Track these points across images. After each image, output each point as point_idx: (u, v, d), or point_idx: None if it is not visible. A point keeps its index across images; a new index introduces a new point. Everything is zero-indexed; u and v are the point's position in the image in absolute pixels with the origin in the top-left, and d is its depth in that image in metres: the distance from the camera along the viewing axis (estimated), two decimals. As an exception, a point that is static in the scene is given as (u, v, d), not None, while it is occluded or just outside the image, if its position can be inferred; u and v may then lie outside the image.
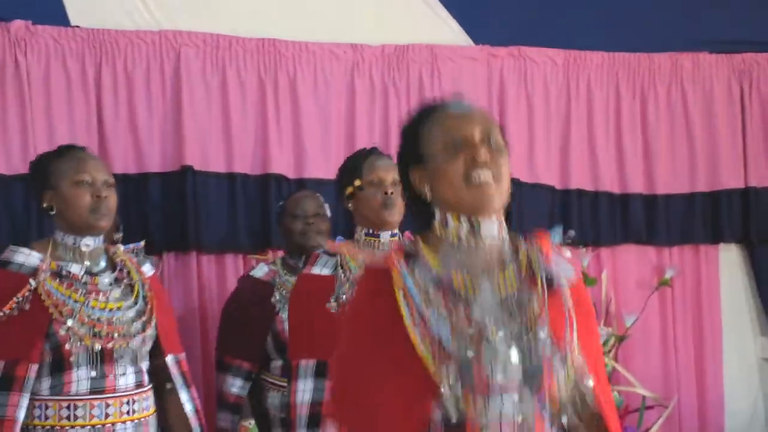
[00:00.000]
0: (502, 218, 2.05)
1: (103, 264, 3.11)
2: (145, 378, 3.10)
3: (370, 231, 3.29)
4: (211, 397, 4.22)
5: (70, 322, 2.92)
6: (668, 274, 5.28)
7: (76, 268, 3.02)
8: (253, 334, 4.03)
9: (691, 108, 5.42)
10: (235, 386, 4.06)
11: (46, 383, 2.94)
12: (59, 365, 2.94)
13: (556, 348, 1.98)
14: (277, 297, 4.04)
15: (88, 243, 3.05)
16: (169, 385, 3.18)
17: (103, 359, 2.96)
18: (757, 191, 5.43)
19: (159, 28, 4.71)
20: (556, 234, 2.15)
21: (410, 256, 2.04)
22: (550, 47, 5.26)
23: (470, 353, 1.92)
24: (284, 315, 3.92)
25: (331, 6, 5.02)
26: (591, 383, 2.00)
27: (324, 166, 4.77)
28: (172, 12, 4.77)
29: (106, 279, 3.07)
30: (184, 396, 3.17)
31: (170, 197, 4.61)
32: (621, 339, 5.05)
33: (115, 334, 2.98)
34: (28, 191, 4.07)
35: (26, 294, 2.93)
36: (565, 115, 5.27)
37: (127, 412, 3.01)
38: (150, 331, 3.09)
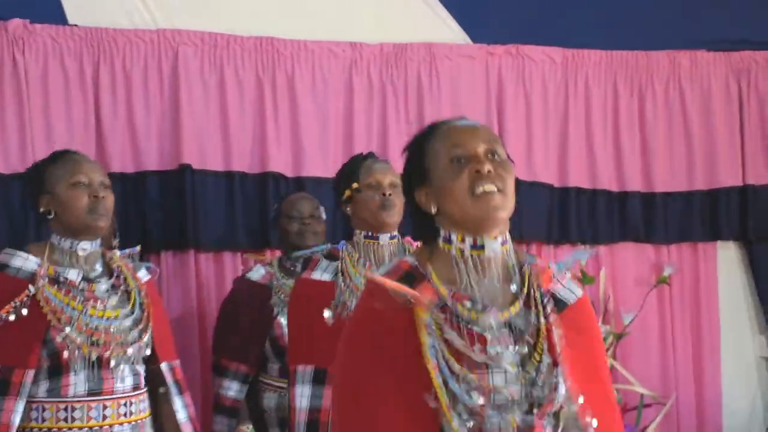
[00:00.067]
0: (507, 235, 2.05)
1: (99, 269, 3.11)
2: (142, 380, 3.11)
3: (369, 234, 3.29)
4: (209, 398, 4.23)
5: (68, 330, 2.93)
6: (666, 272, 5.28)
7: (73, 274, 3.02)
8: (251, 337, 4.03)
9: (689, 106, 5.41)
10: (232, 390, 4.05)
11: (43, 386, 2.95)
12: (56, 369, 2.94)
13: (558, 372, 1.98)
14: (275, 301, 4.04)
15: (85, 247, 3.05)
16: (162, 389, 3.19)
17: (100, 364, 2.97)
18: (755, 189, 5.42)
19: (157, 26, 4.71)
20: (566, 263, 2.16)
21: (413, 275, 2.03)
22: (549, 45, 5.25)
23: (475, 396, 1.92)
24: (282, 319, 3.94)
25: (331, 5, 5.01)
26: (581, 400, 2.01)
27: (322, 165, 4.77)
28: (170, 11, 4.76)
29: (103, 286, 3.07)
30: (178, 403, 3.17)
31: (168, 196, 4.61)
32: (619, 337, 5.05)
33: (113, 343, 2.99)
34: (25, 195, 4.07)
35: (24, 299, 2.93)
36: (563, 113, 5.27)
37: (125, 414, 3.01)
38: (146, 339, 3.09)
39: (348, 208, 3.34)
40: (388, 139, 4.91)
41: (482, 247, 2.01)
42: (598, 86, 5.31)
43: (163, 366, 3.17)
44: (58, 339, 2.92)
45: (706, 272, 5.44)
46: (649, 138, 5.36)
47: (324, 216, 4.21)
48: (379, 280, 2.00)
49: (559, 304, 2.09)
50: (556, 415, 2.00)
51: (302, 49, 4.87)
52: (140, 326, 3.09)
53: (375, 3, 5.09)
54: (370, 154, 3.50)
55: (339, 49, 4.94)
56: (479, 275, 2.01)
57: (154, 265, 3.50)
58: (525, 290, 2.04)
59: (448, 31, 5.16)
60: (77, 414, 2.94)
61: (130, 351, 3.02)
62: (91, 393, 2.96)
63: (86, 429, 2.94)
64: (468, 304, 1.99)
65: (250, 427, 4.11)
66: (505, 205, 1.99)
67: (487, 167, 1.99)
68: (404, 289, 1.97)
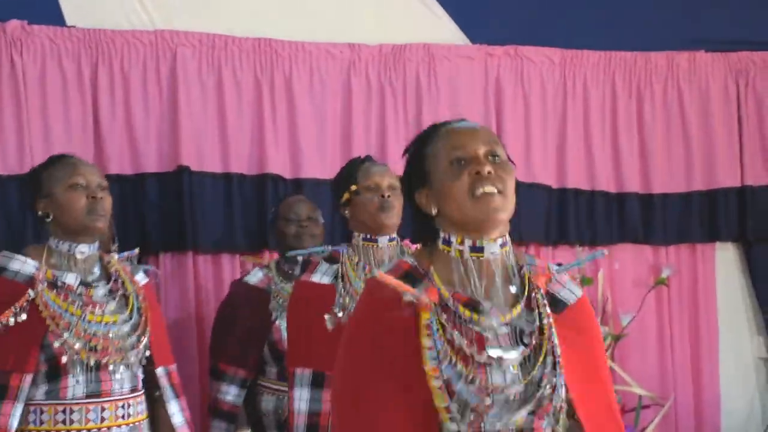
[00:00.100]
0: (507, 237, 2.05)
1: (97, 272, 3.11)
2: (140, 382, 3.11)
3: (368, 236, 3.29)
4: (207, 401, 4.22)
5: (66, 335, 2.93)
6: (665, 273, 5.27)
7: (71, 278, 3.02)
8: (249, 341, 4.02)
9: (688, 107, 5.40)
10: (230, 394, 4.04)
11: (41, 389, 2.95)
12: (55, 373, 2.95)
13: (558, 373, 1.99)
14: (274, 305, 4.03)
15: (83, 250, 3.05)
16: (158, 393, 3.20)
17: (98, 368, 2.97)
18: (754, 190, 5.41)
19: (155, 27, 4.70)
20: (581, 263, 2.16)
21: (414, 274, 2.04)
22: (547, 46, 5.25)
23: (477, 397, 1.93)
24: (281, 323, 3.94)
25: (329, 6, 5.00)
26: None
27: (320, 166, 4.76)
28: (168, 12, 4.75)
29: (101, 291, 3.07)
30: (173, 407, 3.18)
31: (167, 197, 4.60)
32: (617, 338, 5.05)
33: (111, 348, 2.99)
34: (23, 199, 4.07)
35: (24, 304, 2.93)
36: (561, 114, 5.26)
37: (123, 416, 3.02)
38: (144, 343, 3.09)
39: (346, 211, 3.34)
40: (387, 141, 4.91)
41: (481, 249, 2.02)
42: (597, 87, 5.30)
43: (159, 370, 3.18)
44: (56, 344, 2.92)
45: (705, 273, 5.43)
46: (647, 139, 5.35)
47: (322, 219, 4.20)
48: (382, 278, 1.99)
49: (559, 305, 2.09)
50: (556, 416, 2.00)
51: (300, 51, 4.86)
52: (138, 331, 3.09)
53: (373, 4, 5.08)
54: (368, 157, 3.50)
55: (337, 50, 4.93)
56: (479, 277, 2.02)
57: (155, 268, 3.50)
58: (525, 291, 2.05)
59: (447, 31, 5.15)
60: (75, 416, 2.95)
61: (128, 356, 3.02)
62: (89, 395, 2.96)
63: (84, 431, 2.94)
64: (469, 304, 1.99)
65: (248, 432, 4.12)
66: (505, 207, 2.00)
67: (487, 169, 1.99)
68: (408, 288, 1.97)
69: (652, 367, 5.25)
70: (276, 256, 4.39)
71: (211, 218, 4.64)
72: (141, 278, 3.26)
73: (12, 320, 2.91)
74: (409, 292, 1.96)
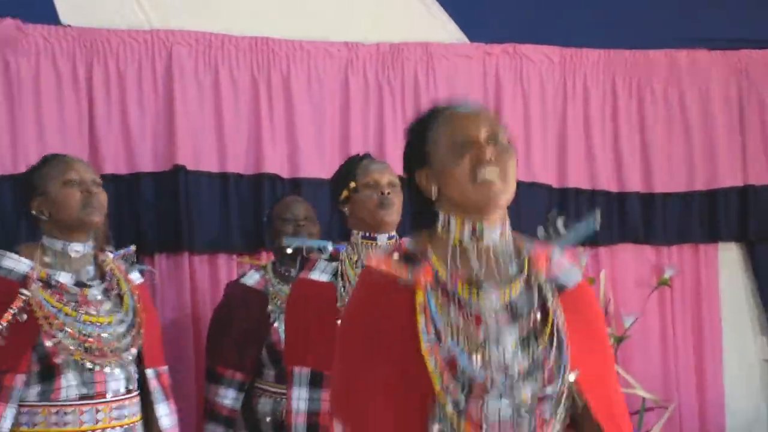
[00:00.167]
0: (507, 220, 2.06)
1: (91, 271, 3.10)
2: (135, 383, 3.10)
3: (367, 234, 3.26)
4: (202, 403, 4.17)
5: (60, 335, 2.91)
6: (667, 274, 5.24)
7: (65, 277, 3.01)
8: (247, 344, 3.98)
9: (689, 105, 5.37)
10: (228, 398, 3.98)
11: (34, 390, 2.93)
12: (48, 373, 2.92)
13: (562, 354, 1.98)
14: (272, 307, 3.99)
15: (78, 249, 3.05)
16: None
17: (92, 369, 2.95)
18: (756, 189, 5.38)
19: (151, 26, 4.66)
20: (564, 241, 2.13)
21: (412, 257, 2.04)
22: (546, 45, 5.21)
23: (482, 372, 1.92)
24: (280, 325, 3.90)
25: (327, 5, 4.97)
26: (572, 377, 2.00)
27: (318, 166, 4.72)
28: (164, 11, 4.71)
29: (95, 290, 3.05)
30: (162, 410, 3.17)
31: (162, 197, 4.56)
32: (620, 340, 5.00)
33: (105, 349, 2.97)
34: (18, 201, 4.05)
35: (22, 305, 2.91)
36: (561, 113, 5.23)
37: (117, 418, 3.00)
38: (139, 344, 3.09)
39: (345, 209, 3.32)
40: (385, 140, 4.87)
41: (481, 234, 2.02)
42: (597, 86, 5.27)
43: (149, 372, 3.16)
44: (48, 344, 2.90)
45: (707, 274, 5.40)
46: (648, 138, 5.31)
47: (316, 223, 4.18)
48: (376, 263, 2.02)
49: (559, 288, 2.09)
50: (556, 398, 1.98)
51: (298, 50, 4.83)
52: (133, 332, 3.07)
53: (371, 3, 5.04)
54: (367, 155, 3.49)
55: (335, 49, 4.90)
56: (478, 260, 2.01)
57: (150, 267, 3.49)
58: (525, 273, 2.04)
59: (445, 30, 5.11)
60: (69, 418, 2.93)
61: (122, 357, 3.01)
62: (83, 397, 2.94)
63: (78, 433, 2.92)
64: (467, 285, 1.99)
65: (246, 436, 4.07)
66: (506, 191, 2.00)
67: (489, 153, 1.99)
68: (403, 269, 1.99)
69: (655, 368, 5.22)
70: (272, 257, 4.35)
71: (207, 218, 4.60)
72: (136, 277, 3.24)
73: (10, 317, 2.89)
74: (402, 276, 1.97)
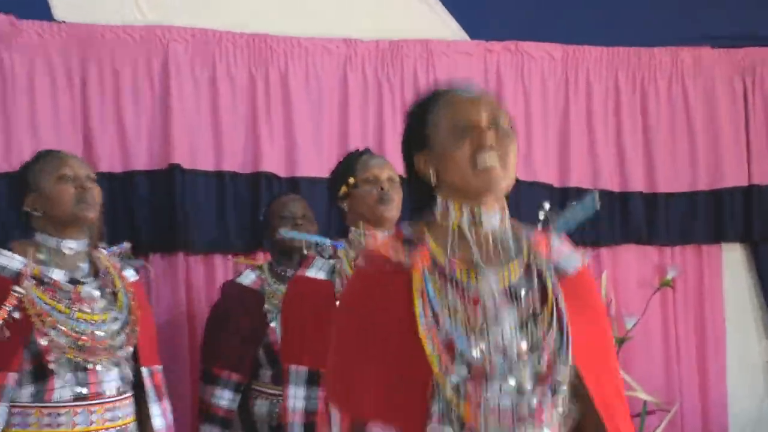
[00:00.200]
0: (506, 205, 2.04)
1: (85, 268, 3.07)
2: (128, 384, 3.06)
3: (366, 232, 3.20)
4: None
5: (52, 333, 2.88)
6: (670, 275, 5.20)
7: (58, 275, 2.98)
8: (243, 344, 3.94)
9: (693, 104, 5.33)
10: (224, 399, 3.93)
11: (26, 390, 2.89)
12: (40, 373, 2.89)
13: (564, 339, 1.97)
14: (269, 307, 3.94)
15: (71, 245, 3.03)
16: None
17: (86, 369, 2.93)
18: (761, 189, 5.34)
19: (146, 22, 4.61)
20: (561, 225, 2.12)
21: (410, 243, 2.03)
22: (548, 42, 5.17)
23: (481, 356, 1.91)
24: (276, 325, 3.85)
25: (325, 1, 4.93)
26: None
27: (316, 164, 4.67)
28: (161, 6, 4.67)
29: (89, 287, 3.02)
30: (155, 410, 3.13)
31: (157, 196, 4.51)
32: (622, 341, 4.96)
33: (99, 347, 2.94)
34: (12, 198, 4.02)
35: (16, 303, 2.88)
36: (563, 111, 5.19)
37: (110, 419, 2.97)
38: (133, 342, 3.06)
39: (344, 204, 3.28)
40: (384, 138, 4.83)
41: (480, 220, 2.01)
42: (599, 83, 5.22)
43: (144, 371, 3.12)
44: (42, 342, 2.87)
45: (711, 274, 5.36)
46: (651, 136, 5.27)
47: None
48: (374, 247, 2.03)
49: (559, 275, 2.07)
50: (557, 385, 1.96)
51: (296, 46, 4.78)
52: (127, 330, 3.05)
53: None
54: (367, 150, 3.46)
55: (333, 45, 4.85)
56: (477, 246, 2.00)
57: (146, 263, 3.46)
58: (525, 258, 2.03)
59: (445, 27, 5.07)
60: (62, 419, 2.90)
61: (116, 355, 2.99)
62: (76, 398, 2.91)
63: (71, 435, 2.88)
64: (466, 269, 1.98)
65: (242, 438, 4.02)
66: (506, 176, 2.01)
67: (490, 138, 1.97)
68: (400, 253, 1.99)
69: (657, 369, 5.19)
70: (269, 258, 4.30)
71: (203, 218, 4.55)
72: (131, 275, 3.21)
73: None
74: (400, 259, 1.97)
